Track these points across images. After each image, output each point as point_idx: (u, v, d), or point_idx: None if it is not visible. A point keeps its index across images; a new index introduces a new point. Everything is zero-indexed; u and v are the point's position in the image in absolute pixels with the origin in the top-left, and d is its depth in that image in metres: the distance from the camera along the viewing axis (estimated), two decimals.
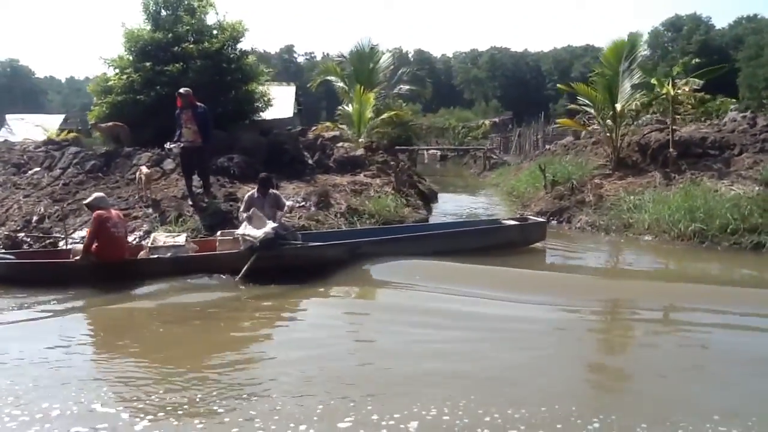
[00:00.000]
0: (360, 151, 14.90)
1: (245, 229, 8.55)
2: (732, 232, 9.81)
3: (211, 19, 14.59)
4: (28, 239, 9.62)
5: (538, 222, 10.61)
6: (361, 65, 20.97)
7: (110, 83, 13.44)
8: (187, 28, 13.57)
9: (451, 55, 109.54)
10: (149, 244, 8.60)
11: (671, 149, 13.08)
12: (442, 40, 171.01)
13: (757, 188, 11.19)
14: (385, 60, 21.45)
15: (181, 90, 10.34)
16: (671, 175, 12.71)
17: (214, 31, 14.21)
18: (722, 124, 14.60)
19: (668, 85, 13.13)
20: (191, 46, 13.20)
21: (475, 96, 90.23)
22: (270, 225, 8.50)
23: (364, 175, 14.15)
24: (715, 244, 9.86)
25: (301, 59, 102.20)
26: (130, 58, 13.58)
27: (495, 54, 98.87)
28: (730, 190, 11.33)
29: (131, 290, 7.59)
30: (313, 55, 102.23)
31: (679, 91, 13.48)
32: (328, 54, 68.39)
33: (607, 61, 14.40)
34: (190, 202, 10.45)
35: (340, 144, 15.14)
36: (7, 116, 29.25)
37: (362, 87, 17.30)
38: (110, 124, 12.82)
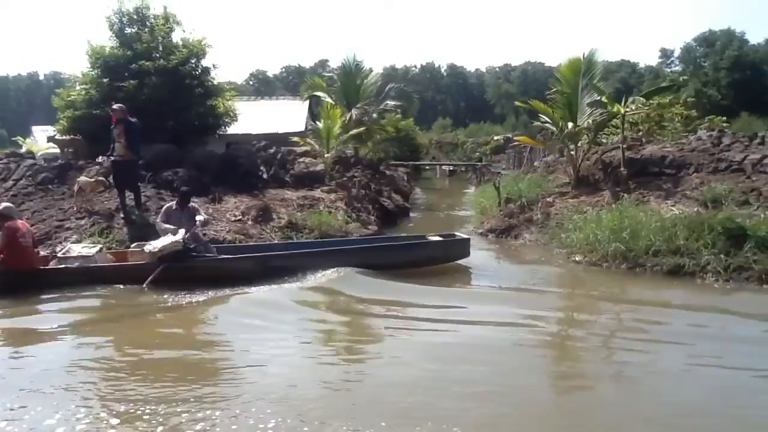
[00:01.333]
0: (321, 166, 15.03)
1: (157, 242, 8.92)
2: (654, 253, 9.59)
3: (179, 36, 15.02)
4: None
5: (462, 239, 10.55)
6: (349, 81, 21.17)
7: (71, 98, 13.92)
8: (146, 45, 13.93)
9: (484, 70, 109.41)
10: (60, 254, 8.92)
11: (622, 168, 12.87)
12: (476, 54, 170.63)
13: (696, 209, 10.92)
14: (372, 77, 21.59)
15: (115, 106, 10.75)
16: (620, 195, 12.48)
17: (180, 48, 14.54)
18: (687, 143, 14.27)
19: (620, 104, 12.94)
20: (147, 63, 13.55)
21: (506, 111, 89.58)
22: (176, 237, 8.79)
23: (321, 190, 14.25)
24: (639, 265, 9.66)
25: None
26: (93, 74, 14.01)
27: (527, 68, 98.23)
28: (670, 211, 11.08)
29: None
30: None
31: (627, 110, 13.22)
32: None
33: (564, 79, 14.24)
34: (122, 215, 10.76)
35: (301, 159, 15.31)
36: (33, 128, 30.52)
37: (333, 105, 17.47)
38: (67, 137, 13.29)
